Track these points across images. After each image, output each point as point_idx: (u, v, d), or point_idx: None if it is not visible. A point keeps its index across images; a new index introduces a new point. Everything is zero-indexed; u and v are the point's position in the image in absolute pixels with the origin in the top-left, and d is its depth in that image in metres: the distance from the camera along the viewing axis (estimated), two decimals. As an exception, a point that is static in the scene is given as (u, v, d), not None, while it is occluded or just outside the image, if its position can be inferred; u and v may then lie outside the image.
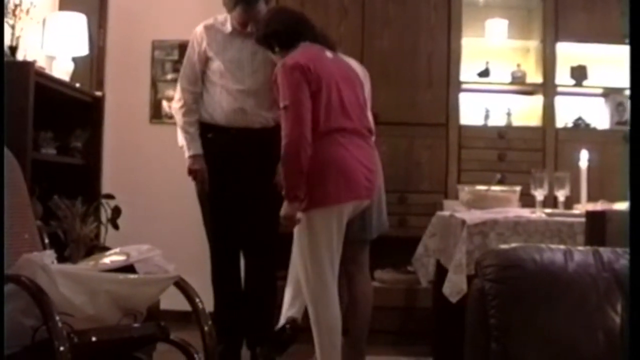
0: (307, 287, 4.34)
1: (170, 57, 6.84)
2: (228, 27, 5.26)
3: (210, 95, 5.26)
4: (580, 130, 6.73)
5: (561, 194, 4.67)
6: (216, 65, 5.23)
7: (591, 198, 4.58)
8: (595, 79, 6.81)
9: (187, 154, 5.23)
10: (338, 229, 4.34)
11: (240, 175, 5.19)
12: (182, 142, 5.26)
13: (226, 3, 5.18)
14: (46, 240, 3.86)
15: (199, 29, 5.32)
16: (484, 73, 6.77)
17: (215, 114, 5.24)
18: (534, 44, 6.80)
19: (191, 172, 5.24)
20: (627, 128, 6.68)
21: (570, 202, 4.73)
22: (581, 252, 2.80)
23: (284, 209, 4.23)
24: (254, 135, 5.22)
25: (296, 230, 4.34)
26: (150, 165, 6.72)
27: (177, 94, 5.34)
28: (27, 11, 5.21)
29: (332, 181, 4.25)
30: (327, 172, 4.24)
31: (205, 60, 5.26)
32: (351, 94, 4.45)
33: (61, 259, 3.73)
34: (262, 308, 5.34)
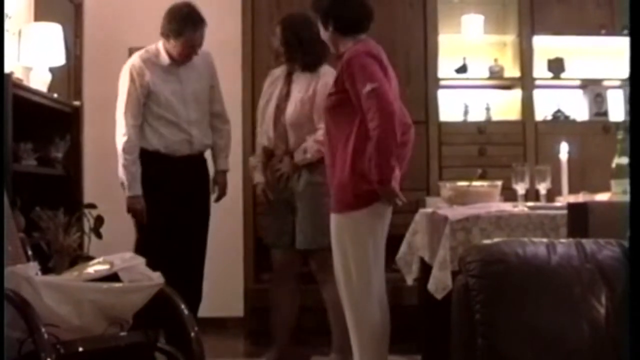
0: (348, 288, 4.25)
1: (147, 63, 6.83)
2: (165, 59, 5.34)
3: (154, 127, 5.33)
4: (560, 122, 6.76)
5: (542, 187, 4.68)
6: (159, 98, 5.30)
7: (572, 190, 4.60)
8: (573, 71, 6.85)
9: (127, 193, 5.27)
10: (382, 229, 4.30)
11: (183, 199, 5.31)
12: (122, 178, 5.29)
13: (171, 30, 5.23)
14: (29, 252, 3.86)
15: (136, 62, 5.34)
16: (462, 69, 6.79)
17: (160, 145, 5.33)
18: (510, 38, 6.83)
19: (130, 210, 5.31)
20: (606, 119, 6.72)
21: (551, 194, 4.73)
22: (564, 245, 2.80)
23: (386, 194, 4.12)
24: (195, 161, 5.43)
25: (338, 232, 4.26)
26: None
27: (121, 128, 5.30)
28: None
29: None
30: None
31: (148, 94, 5.30)
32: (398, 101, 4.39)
33: (45, 270, 3.73)
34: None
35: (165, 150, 5.32)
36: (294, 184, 5.23)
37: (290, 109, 5.23)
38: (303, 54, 5.22)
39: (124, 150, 5.25)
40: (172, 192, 5.28)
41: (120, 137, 5.28)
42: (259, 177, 5.42)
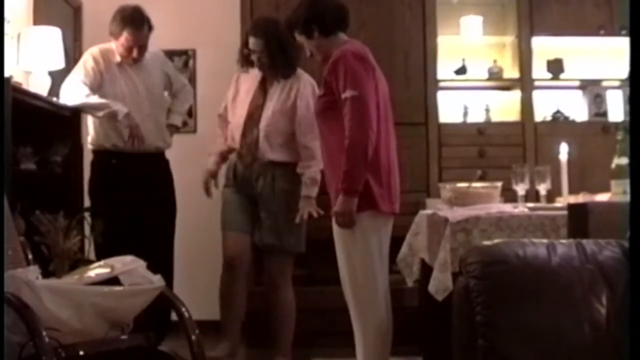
0: (353, 289, 4.25)
1: (146, 67, 6.82)
2: (116, 57, 5.45)
3: (109, 123, 5.39)
4: (559, 123, 6.75)
5: (542, 188, 4.67)
6: (111, 94, 5.38)
7: (572, 190, 4.60)
8: (572, 72, 6.84)
9: (120, 116, 5.27)
10: (386, 229, 4.32)
11: (141, 198, 5.38)
12: (104, 110, 5.31)
13: (113, 30, 5.37)
14: (30, 256, 3.85)
15: (95, 51, 5.48)
16: (461, 70, 6.79)
17: (117, 141, 5.42)
18: (509, 39, 6.82)
19: (133, 128, 5.30)
20: (605, 119, 6.71)
21: (551, 195, 4.73)
22: (564, 245, 2.81)
23: (342, 205, 4.11)
24: (151, 159, 5.48)
25: (342, 234, 4.23)
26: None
27: (77, 83, 5.36)
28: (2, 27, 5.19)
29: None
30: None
31: (100, 83, 5.40)
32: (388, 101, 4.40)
33: (46, 273, 3.72)
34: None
35: (122, 144, 5.38)
36: (266, 186, 5.28)
37: (266, 119, 5.26)
38: (285, 61, 5.25)
39: (80, 96, 5.33)
40: (133, 191, 5.35)
41: (81, 86, 5.34)
42: (211, 165, 5.47)
